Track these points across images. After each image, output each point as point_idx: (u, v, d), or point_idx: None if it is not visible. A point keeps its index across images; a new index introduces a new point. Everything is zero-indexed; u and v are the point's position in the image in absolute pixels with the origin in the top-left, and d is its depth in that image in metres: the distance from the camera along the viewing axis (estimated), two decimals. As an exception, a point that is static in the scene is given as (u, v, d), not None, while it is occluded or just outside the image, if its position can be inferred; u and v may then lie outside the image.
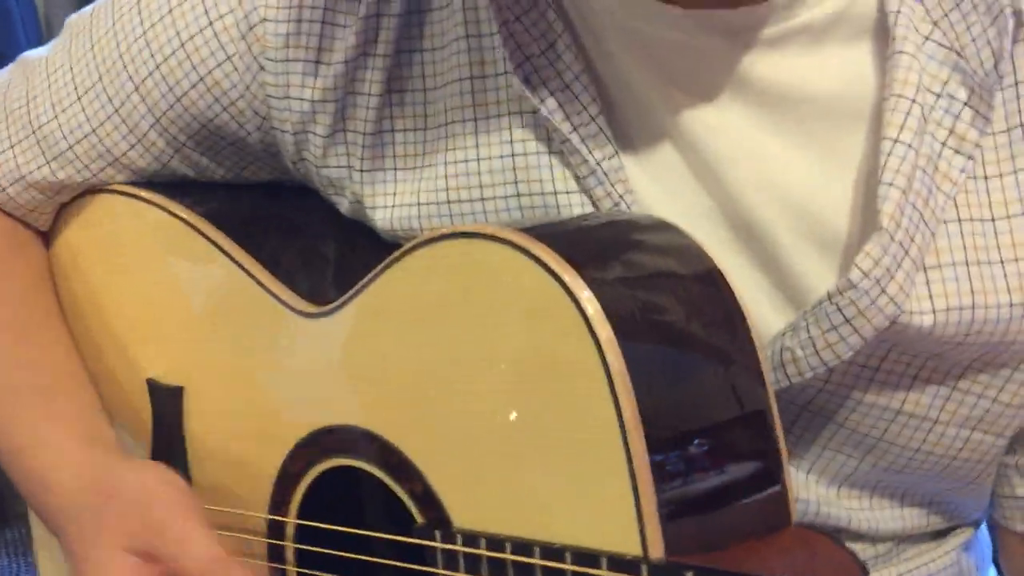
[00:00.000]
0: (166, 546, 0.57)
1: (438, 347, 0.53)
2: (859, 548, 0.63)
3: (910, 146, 0.53)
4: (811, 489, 0.61)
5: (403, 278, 0.54)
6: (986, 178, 0.56)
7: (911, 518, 0.63)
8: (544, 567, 0.48)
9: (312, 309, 0.60)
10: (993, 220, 0.56)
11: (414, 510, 0.54)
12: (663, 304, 0.50)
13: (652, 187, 0.59)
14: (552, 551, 0.48)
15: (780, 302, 0.58)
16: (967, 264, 0.55)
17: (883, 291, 0.53)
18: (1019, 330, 0.56)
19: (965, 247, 0.55)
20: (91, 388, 0.71)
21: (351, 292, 0.57)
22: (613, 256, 0.51)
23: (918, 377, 0.58)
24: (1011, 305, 0.55)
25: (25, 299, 0.72)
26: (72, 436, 0.66)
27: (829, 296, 0.54)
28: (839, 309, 0.54)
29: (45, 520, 0.66)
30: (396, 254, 0.54)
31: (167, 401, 0.68)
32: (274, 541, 0.62)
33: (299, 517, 0.61)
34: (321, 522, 0.60)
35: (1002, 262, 0.55)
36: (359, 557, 0.57)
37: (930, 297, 0.55)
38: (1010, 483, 0.64)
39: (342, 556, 0.58)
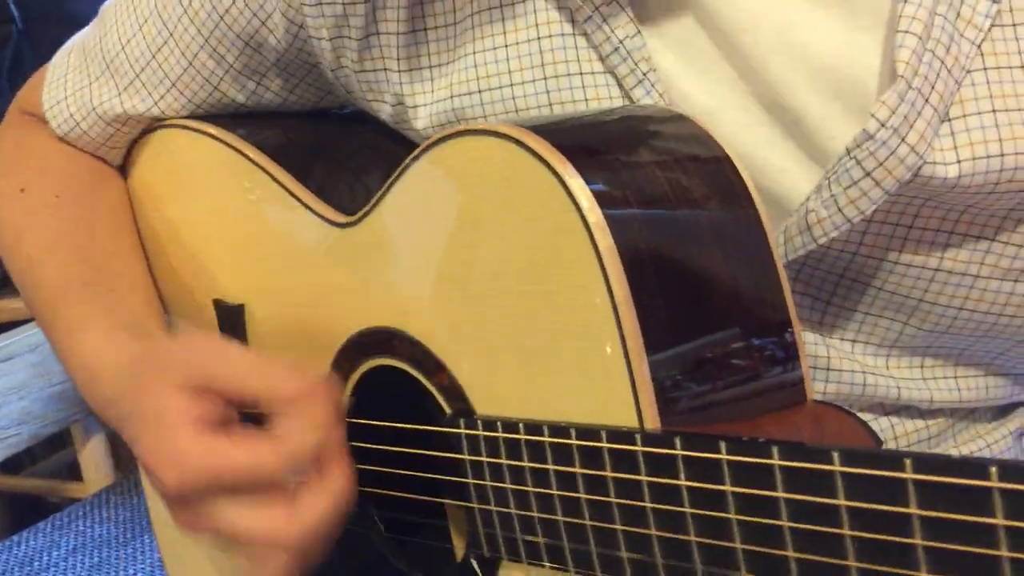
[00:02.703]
0: (212, 368, 0.55)
1: (451, 246, 0.55)
2: (912, 428, 0.63)
3: None
4: (858, 360, 0.61)
5: (415, 182, 0.57)
6: (1014, 25, 0.54)
7: (966, 387, 0.63)
8: (552, 444, 0.50)
9: (344, 220, 0.63)
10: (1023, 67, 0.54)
11: (443, 402, 0.58)
12: (660, 188, 0.51)
13: (676, 64, 0.59)
14: (559, 429, 0.50)
15: (810, 169, 0.57)
16: (994, 112, 0.54)
17: (903, 141, 0.52)
18: None
19: (992, 95, 0.54)
20: (152, 294, 0.75)
21: (374, 200, 0.60)
22: (611, 144, 0.53)
23: (954, 232, 0.57)
24: None
25: (103, 228, 0.77)
26: (123, 328, 0.67)
27: (848, 151, 0.53)
28: (858, 163, 0.53)
29: (98, 412, 0.68)
30: (408, 159, 0.57)
31: (231, 319, 0.72)
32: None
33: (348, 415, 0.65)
34: (366, 420, 0.64)
35: None
36: (399, 450, 0.61)
37: (955, 148, 0.53)
38: None
39: (385, 450, 0.62)
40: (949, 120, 0.53)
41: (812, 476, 0.40)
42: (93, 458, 1.53)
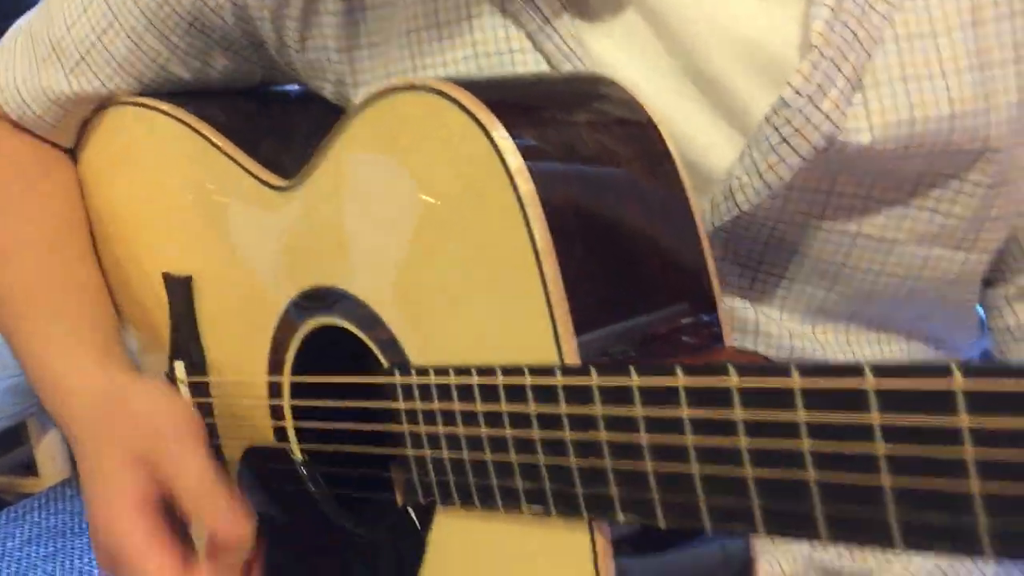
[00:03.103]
0: (166, 467, 0.61)
1: (382, 202, 0.58)
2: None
3: None
4: (786, 326, 0.64)
5: (348, 142, 0.60)
6: None
7: (890, 352, 0.65)
8: (480, 385, 0.53)
9: (284, 183, 0.65)
10: (935, 36, 0.57)
11: (380, 355, 0.60)
12: (582, 142, 0.54)
13: (605, 41, 0.61)
14: (486, 370, 0.53)
15: (738, 142, 0.60)
16: (904, 80, 0.57)
17: (817, 108, 0.55)
18: (960, 140, 0.58)
19: (903, 64, 0.57)
20: (110, 307, 0.77)
21: (311, 162, 0.62)
22: (536, 100, 0.56)
23: (871, 197, 0.60)
24: (952, 117, 0.57)
25: (53, 217, 0.79)
26: (88, 350, 0.70)
27: (766, 118, 0.57)
28: (776, 130, 0.56)
29: (62, 427, 0.71)
30: (343, 119, 0.59)
31: (179, 291, 0.74)
32: (274, 402, 0.69)
33: (292, 375, 0.67)
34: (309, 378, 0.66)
35: (944, 75, 0.57)
36: (340, 404, 0.63)
37: (868, 115, 0.57)
38: (1001, 314, 0.66)
39: (328, 405, 0.64)
40: (862, 88, 0.57)
41: (714, 393, 0.43)
42: (49, 452, 1.54)
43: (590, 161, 0.54)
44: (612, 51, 0.62)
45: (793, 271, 0.63)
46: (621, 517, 0.48)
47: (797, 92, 0.55)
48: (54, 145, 0.81)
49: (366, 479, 0.64)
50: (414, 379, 0.57)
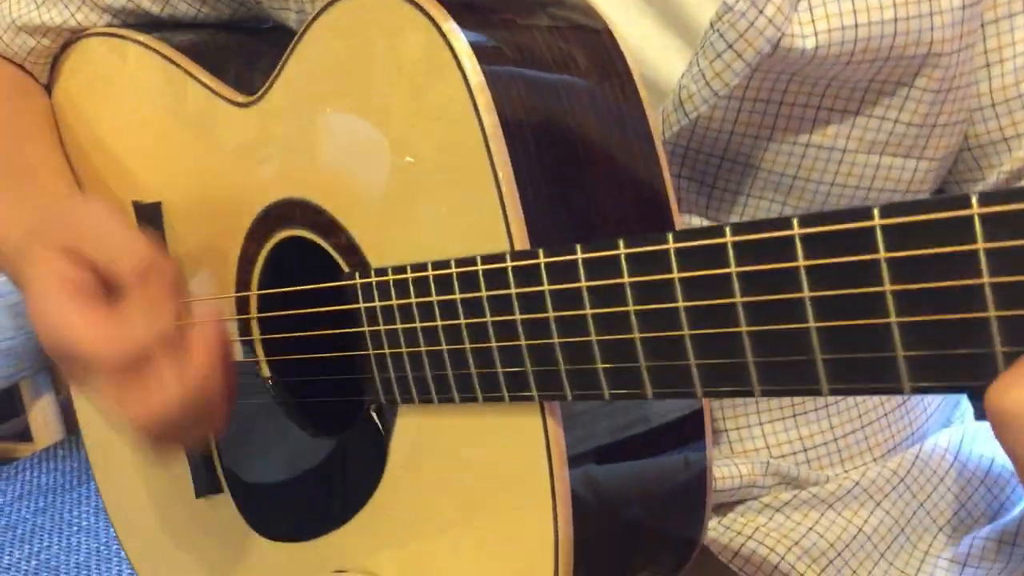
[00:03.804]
0: (104, 250, 0.58)
1: (343, 109, 0.59)
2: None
3: None
4: None
5: (307, 51, 0.61)
6: None
7: None
8: (436, 276, 0.54)
9: (247, 99, 0.66)
10: None
11: (341, 261, 0.61)
12: (535, 44, 0.55)
13: None
14: (440, 263, 0.54)
15: (688, 55, 0.61)
16: None
17: (761, 13, 0.56)
18: (904, 45, 0.59)
19: None
20: (73, 184, 0.78)
21: (272, 75, 0.63)
22: (496, 7, 0.56)
23: (821, 107, 0.61)
24: (895, 20, 0.58)
25: (27, 135, 0.80)
26: (32, 203, 0.71)
27: (711, 24, 0.58)
28: (721, 35, 0.57)
29: (10, 276, 0.69)
30: (301, 29, 0.60)
31: (149, 218, 0.75)
32: (242, 316, 0.70)
33: (259, 290, 0.68)
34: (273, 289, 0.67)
35: None
36: (304, 311, 0.64)
37: (812, 21, 0.57)
38: None
39: (294, 314, 0.65)
40: None
41: (653, 256, 0.44)
42: (43, 415, 1.55)
43: (542, 58, 0.55)
44: None
45: (748, 185, 0.64)
46: (570, 394, 0.49)
47: None
48: (29, 76, 0.82)
49: (332, 386, 0.65)
50: (372, 279, 0.58)
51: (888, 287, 0.36)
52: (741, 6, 0.56)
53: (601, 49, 0.57)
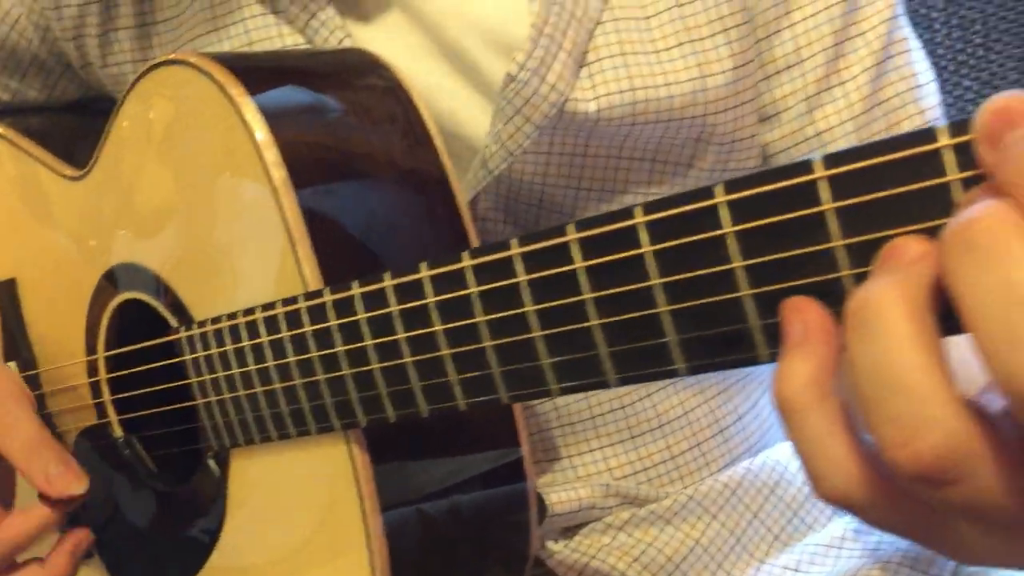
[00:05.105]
0: (8, 448, 0.63)
1: (155, 174, 0.63)
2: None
3: None
4: None
5: (124, 121, 0.65)
6: None
7: None
8: (245, 323, 0.57)
9: (77, 173, 0.70)
10: (647, 18, 0.64)
11: (170, 318, 0.64)
12: (333, 108, 0.59)
13: (374, 36, 0.67)
14: (248, 311, 0.57)
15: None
16: (624, 55, 0.63)
17: (543, 81, 0.62)
18: (682, 106, 0.64)
19: (622, 42, 0.64)
20: None
21: (97, 147, 0.67)
22: (287, 70, 0.61)
23: (622, 157, 0.66)
24: (668, 85, 0.63)
25: None
26: None
27: (501, 91, 0.63)
28: (509, 101, 0.62)
29: None
30: (117, 103, 0.64)
31: (5, 295, 0.78)
32: (93, 379, 0.72)
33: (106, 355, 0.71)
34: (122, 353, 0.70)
35: (657, 52, 0.64)
36: (138, 369, 0.67)
37: (593, 87, 0.63)
38: None
39: (130, 372, 0.68)
40: (588, 64, 0.63)
41: (452, 276, 0.46)
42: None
43: (332, 112, 0.59)
44: (379, 39, 0.67)
45: None
46: (364, 420, 0.52)
47: (521, 67, 0.61)
48: None
49: (177, 438, 0.68)
50: (194, 332, 0.61)
51: (739, 260, 0.36)
52: (524, 75, 0.61)
53: (393, 101, 0.61)
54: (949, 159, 0.31)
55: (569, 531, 0.73)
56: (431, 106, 0.63)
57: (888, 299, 0.30)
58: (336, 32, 0.66)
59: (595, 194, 0.67)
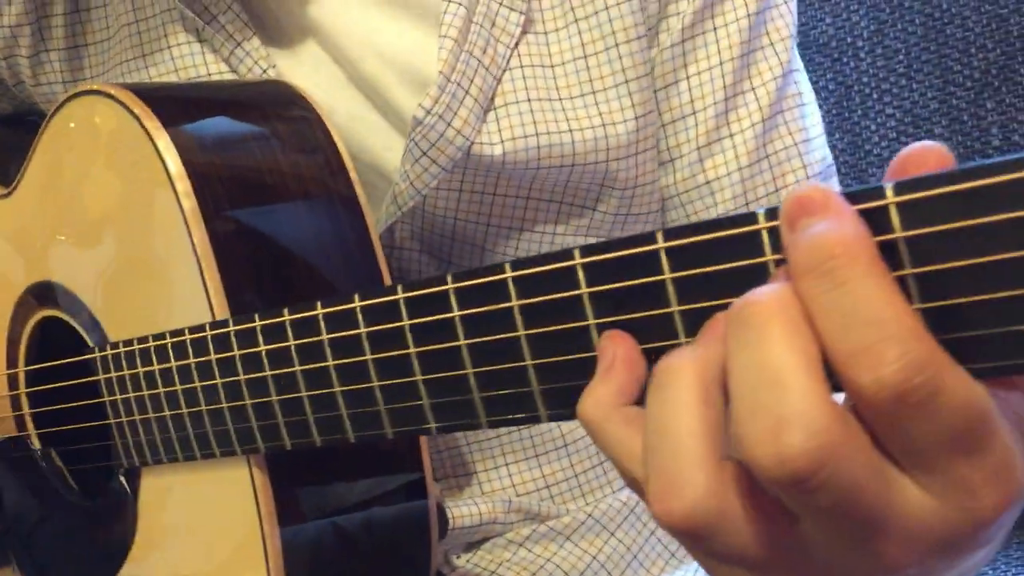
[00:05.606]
0: None
1: (73, 196, 0.65)
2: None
3: (461, 4, 0.65)
4: None
5: (46, 144, 0.67)
6: (545, 33, 0.67)
7: None
8: (155, 347, 0.60)
9: (5, 191, 0.72)
10: (552, 67, 0.67)
11: (86, 336, 0.67)
12: (249, 138, 0.62)
13: (297, 68, 0.70)
14: (159, 335, 0.60)
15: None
16: (529, 102, 0.66)
17: (449, 125, 0.64)
18: (584, 151, 0.67)
19: (527, 88, 0.66)
20: None
21: (23, 167, 0.69)
22: (203, 102, 0.63)
23: (530, 197, 0.69)
24: (571, 131, 0.66)
25: None
26: None
27: (409, 134, 0.65)
28: (416, 144, 0.65)
29: None
30: (44, 123, 0.66)
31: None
32: (12, 393, 0.74)
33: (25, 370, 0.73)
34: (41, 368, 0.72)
35: (560, 99, 0.67)
36: (61, 385, 0.69)
37: (499, 131, 0.66)
38: None
39: (45, 388, 0.71)
40: (495, 109, 0.66)
41: (383, 308, 0.48)
42: None
43: (245, 145, 0.62)
44: (302, 70, 0.70)
45: (477, 262, 0.72)
46: (263, 447, 0.55)
47: (428, 112, 0.64)
48: None
49: (91, 453, 0.70)
50: (109, 352, 0.63)
51: (592, 320, 0.39)
52: (430, 120, 0.64)
53: (310, 132, 0.64)
54: (766, 239, 0.34)
55: (472, 546, 0.76)
56: (349, 137, 0.65)
57: (682, 368, 0.34)
58: (260, 62, 0.69)
59: (504, 231, 0.70)
